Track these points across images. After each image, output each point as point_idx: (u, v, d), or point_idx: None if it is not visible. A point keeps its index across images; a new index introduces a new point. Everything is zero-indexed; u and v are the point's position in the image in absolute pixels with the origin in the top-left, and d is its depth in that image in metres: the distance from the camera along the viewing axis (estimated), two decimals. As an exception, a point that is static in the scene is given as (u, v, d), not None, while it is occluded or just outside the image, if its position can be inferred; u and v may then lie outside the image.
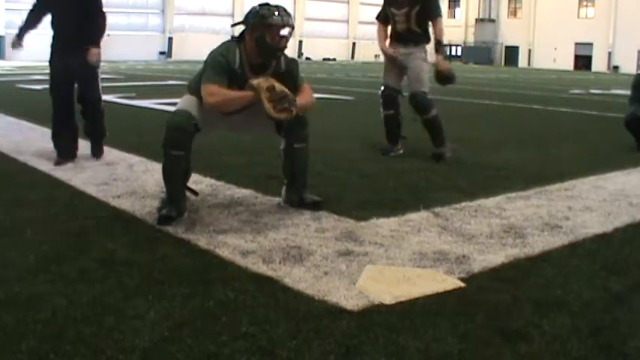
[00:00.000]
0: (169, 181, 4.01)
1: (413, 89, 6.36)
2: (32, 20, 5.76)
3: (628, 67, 45.97)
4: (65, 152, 5.74)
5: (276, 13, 3.90)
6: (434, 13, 6.36)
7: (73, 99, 5.77)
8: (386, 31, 6.60)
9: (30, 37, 5.90)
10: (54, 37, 5.68)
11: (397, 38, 6.42)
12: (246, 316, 2.59)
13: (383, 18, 6.55)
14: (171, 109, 12.87)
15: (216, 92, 3.89)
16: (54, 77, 5.72)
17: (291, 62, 4.19)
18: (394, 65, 6.49)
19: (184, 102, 4.14)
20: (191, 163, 4.10)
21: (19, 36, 5.77)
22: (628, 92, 8.17)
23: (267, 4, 3.97)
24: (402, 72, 6.47)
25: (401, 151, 6.54)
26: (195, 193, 4.26)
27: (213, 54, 4.05)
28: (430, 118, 6.36)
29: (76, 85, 5.75)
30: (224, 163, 5.49)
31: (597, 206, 4.55)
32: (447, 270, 3.21)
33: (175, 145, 3.92)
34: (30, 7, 5.79)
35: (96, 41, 5.67)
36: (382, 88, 6.60)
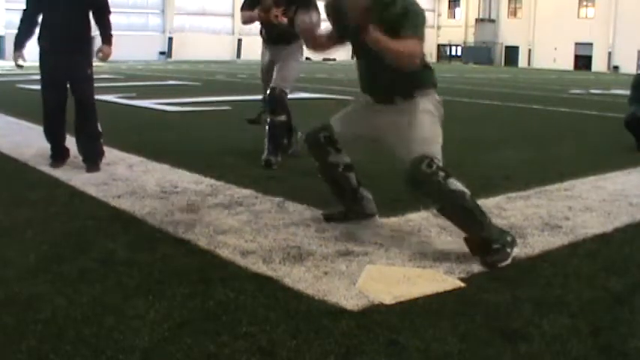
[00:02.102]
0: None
1: (280, 84, 5.77)
2: (29, 26, 5.65)
3: (628, 67, 45.94)
4: (60, 154, 5.70)
5: None
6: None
7: (66, 101, 5.61)
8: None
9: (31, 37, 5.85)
10: (47, 37, 5.45)
11: (271, 39, 5.91)
12: (246, 316, 2.59)
13: (250, 5, 5.88)
14: (171, 108, 12.75)
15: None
16: (49, 79, 5.54)
17: None
18: (270, 62, 5.95)
19: (343, 110, 3.94)
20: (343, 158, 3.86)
21: (20, 45, 5.54)
22: (628, 92, 8.17)
23: None
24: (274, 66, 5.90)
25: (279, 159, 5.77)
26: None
27: None
28: (277, 121, 5.80)
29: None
30: (224, 163, 5.48)
31: (597, 206, 4.54)
32: (447, 270, 3.21)
33: (311, 153, 3.90)
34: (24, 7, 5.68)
35: (110, 39, 5.65)
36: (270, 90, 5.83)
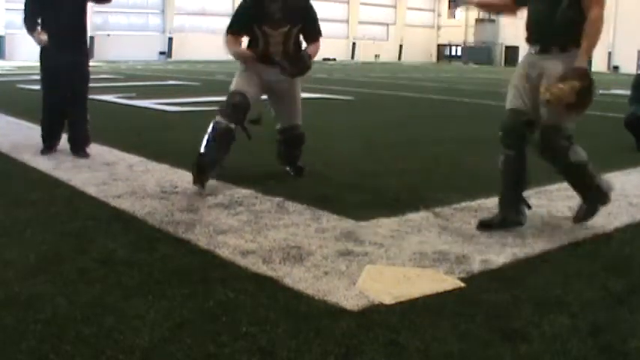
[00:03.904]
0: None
1: (292, 122, 5.28)
2: (34, 23, 5.76)
3: (628, 67, 45.91)
4: (51, 142, 6.03)
5: None
6: (317, 33, 5.13)
7: (66, 100, 5.92)
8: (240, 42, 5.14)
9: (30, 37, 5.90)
10: (51, 37, 5.63)
11: (268, 61, 4.95)
12: (246, 316, 2.59)
13: (237, 32, 5.05)
14: (171, 108, 12.75)
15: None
16: (52, 75, 5.81)
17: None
18: (257, 77, 5.00)
19: (510, 92, 4.03)
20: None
21: (34, 29, 5.69)
22: (628, 92, 8.16)
23: None
24: (262, 90, 5.10)
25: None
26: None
27: None
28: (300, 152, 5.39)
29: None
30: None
31: (597, 206, 4.54)
32: (447, 270, 3.21)
33: (509, 140, 4.06)
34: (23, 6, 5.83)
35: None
36: (232, 93, 4.94)
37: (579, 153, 3.91)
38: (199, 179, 4.66)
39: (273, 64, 4.93)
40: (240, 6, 5.04)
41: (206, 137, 4.82)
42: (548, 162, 3.90)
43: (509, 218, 3.99)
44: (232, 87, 5.01)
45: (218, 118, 4.88)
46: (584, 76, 3.60)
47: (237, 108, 4.86)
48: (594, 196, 4.03)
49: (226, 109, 4.87)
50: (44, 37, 5.61)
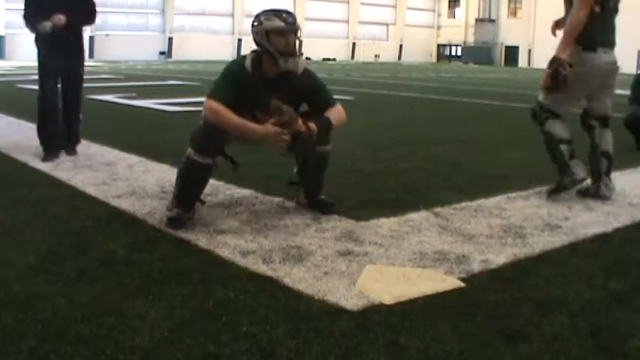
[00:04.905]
0: None
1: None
2: (34, 13, 5.82)
3: (628, 67, 45.88)
4: (53, 148, 5.94)
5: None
6: (331, 99, 4.15)
7: (59, 97, 5.99)
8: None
9: (30, 37, 5.92)
10: (48, 39, 5.68)
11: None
12: (246, 316, 2.59)
13: (229, 100, 3.79)
14: (171, 108, 12.77)
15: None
16: (47, 75, 5.86)
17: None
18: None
19: None
20: None
21: (37, 22, 5.69)
22: (628, 92, 8.16)
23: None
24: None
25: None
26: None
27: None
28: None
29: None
30: (224, 163, 5.48)
31: (597, 206, 4.54)
32: (447, 270, 3.21)
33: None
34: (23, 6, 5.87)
35: (84, 22, 6.01)
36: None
37: (556, 129, 4.69)
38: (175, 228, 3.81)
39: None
40: (227, 76, 3.90)
41: (179, 184, 3.95)
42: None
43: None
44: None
45: (191, 153, 3.85)
46: (552, 63, 4.46)
47: (211, 137, 3.84)
48: (562, 175, 4.68)
49: (199, 140, 3.84)
50: (48, 22, 5.58)
